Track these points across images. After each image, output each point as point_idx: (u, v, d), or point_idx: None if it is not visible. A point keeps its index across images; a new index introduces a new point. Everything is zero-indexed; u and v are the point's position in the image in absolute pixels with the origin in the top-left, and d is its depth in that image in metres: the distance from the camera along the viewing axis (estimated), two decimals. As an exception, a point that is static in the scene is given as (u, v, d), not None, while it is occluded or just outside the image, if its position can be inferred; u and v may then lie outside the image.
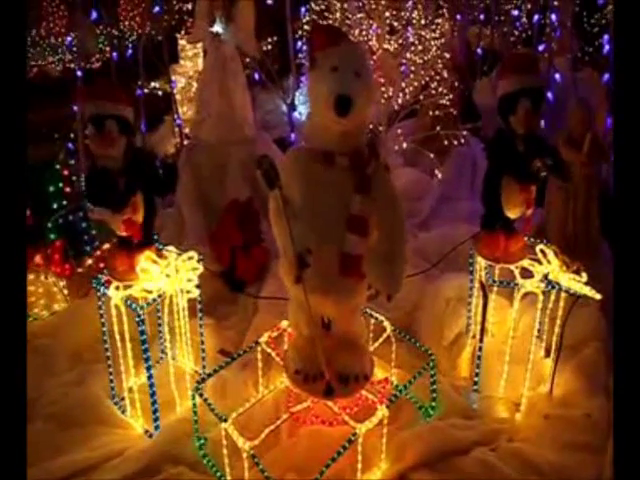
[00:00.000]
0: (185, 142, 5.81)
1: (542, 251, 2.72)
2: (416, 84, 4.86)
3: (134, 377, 2.87)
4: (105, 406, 2.85)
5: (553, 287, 2.68)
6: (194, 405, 2.65)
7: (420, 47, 4.85)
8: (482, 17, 7.62)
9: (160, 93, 7.52)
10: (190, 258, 2.77)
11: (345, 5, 5.00)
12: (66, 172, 4.17)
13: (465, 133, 5.19)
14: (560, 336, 2.81)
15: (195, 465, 2.57)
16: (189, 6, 7.55)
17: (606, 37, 4.98)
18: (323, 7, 5.46)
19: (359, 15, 4.81)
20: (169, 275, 2.68)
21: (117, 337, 2.77)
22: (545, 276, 2.69)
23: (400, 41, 4.83)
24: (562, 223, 3.69)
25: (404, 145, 5.06)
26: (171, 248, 2.86)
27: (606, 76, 4.66)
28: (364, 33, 4.77)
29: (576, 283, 2.62)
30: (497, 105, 2.71)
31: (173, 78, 6.38)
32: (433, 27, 4.98)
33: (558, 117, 3.93)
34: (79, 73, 4.91)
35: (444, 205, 4.85)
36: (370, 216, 2.20)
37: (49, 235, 3.83)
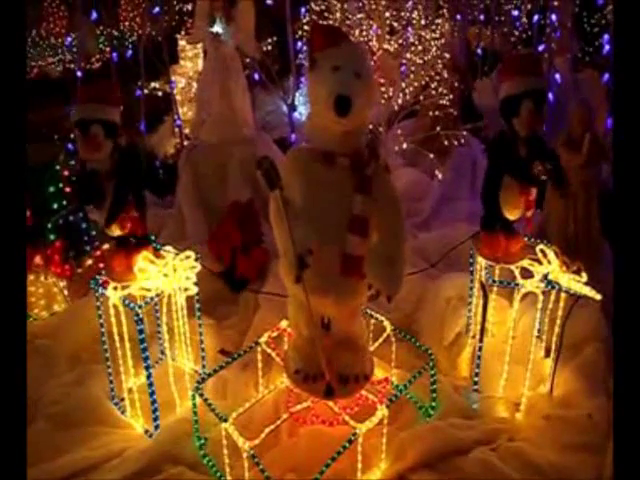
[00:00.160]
0: (185, 142, 5.82)
1: (542, 251, 2.72)
2: (416, 84, 4.86)
3: (134, 377, 2.87)
4: (105, 406, 2.85)
5: (553, 287, 2.68)
6: (194, 405, 2.65)
7: (420, 47, 4.85)
8: (482, 17, 7.64)
9: (160, 94, 7.53)
10: (187, 257, 2.77)
11: (345, 5, 5.01)
12: (66, 173, 4.16)
13: (465, 133, 5.18)
14: (560, 336, 2.81)
15: (195, 465, 2.57)
16: (189, 7, 7.56)
17: (606, 37, 4.99)
18: (323, 7, 5.45)
19: (359, 15, 4.82)
20: (167, 274, 2.68)
21: (116, 337, 2.77)
22: (545, 276, 2.69)
23: (400, 41, 4.84)
24: (562, 224, 3.69)
25: (404, 145, 5.05)
26: (168, 248, 2.86)
27: (606, 76, 4.67)
28: (364, 33, 4.77)
29: (576, 283, 2.61)
30: (499, 107, 2.70)
31: (173, 79, 6.38)
32: (433, 27, 4.98)
33: (558, 118, 3.93)
34: (79, 74, 4.92)
35: (444, 205, 4.85)
36: (371, 216, 2.20)
37: (49, 236, 3.83)
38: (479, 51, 7.15)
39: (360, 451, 2.33)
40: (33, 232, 3.70)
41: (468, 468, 2.46)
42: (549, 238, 3.26)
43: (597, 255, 3.61)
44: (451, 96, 5.06)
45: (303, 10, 5.69)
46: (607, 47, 4.87)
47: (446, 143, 5.06)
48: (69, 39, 7.99)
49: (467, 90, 6.56)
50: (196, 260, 2.79)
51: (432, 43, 4.89)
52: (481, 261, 2.90)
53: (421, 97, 4.98)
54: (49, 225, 3.86)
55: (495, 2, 7.01)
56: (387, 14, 4.77)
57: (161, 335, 3.12)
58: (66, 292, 3.73)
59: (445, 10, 5.58)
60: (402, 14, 4.84)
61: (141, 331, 2.61)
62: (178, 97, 6.64)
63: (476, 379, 2.87)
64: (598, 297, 2.58)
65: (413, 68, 4.82)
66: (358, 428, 2.31)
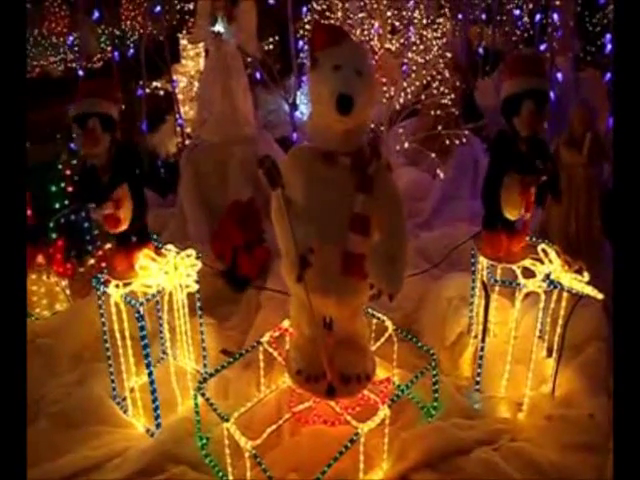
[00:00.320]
0: (187, 142, 5.82)
1: (544, 251, 2.72)
2: (417, 84, 4.85)
3: (135, 376, 2.87)
4: (107, 406, 2.85)
5: (555, 287, 2.68)
6: (196, 405, 2.65)
7: (422, 47, 4.84)
8: (484, 16, 7.63)
9: (162, 93, 7.52)
10: (189, 255, 2.77)
11: (347, 5, 5.00)
12: (68, 172, 4.17)
13: (467, 133, 5.17)
14: (562, 336, 2.81)
15: (197, 465, 2.57)
16: (190, 6, 7.54)
17: (608, 36, 4.97)
18: (324, 7, 5.45)
19: (361, 15, 4.81)
20: (168, 272, 2.69)
21: (118, 336, 2.77)
22: (547, 276, 2.69)
23: (402, 41, 4.83)
24: (564, 223, 3.69)
25: (405, 145, 5.04)
26: (169, 246, 2.86)
27: (608, 76, 4.66)
28: (366, 33, 4.76)
29: (578, 283, 2.61)
30: (501, 106, 2.69)
31: (175, 78, 6.37)
32: (435, 27, 4.97)
33: (560, 117, 3.92)
34: (81, 73, 4.92)
35: (446, 205, 4.85)
36: (372, 215, 2.19)
37: (51, 235, 3.83)
38: (481, 50, 7.14)
39: (362, 451, 2.33)
40: (35, 231, 3.71)
41: (470, 468, 2.46)
42: (550, 237, 3.26)
43: (598, 254, 3.60)
44: (452, 95, 5.05)
45: (304, 9, 5.69)
46: (609, 47, 4.86)
47: (447, 142, 5.05)
48: (71, 38, 8.00)
49: (469, 89, 6.54)
50: (197, 258, 2.79)
51: (433, 42, 4.88)
52: (483, 261, 2.90)
53: (422, 96, 4.97)
54: (51, 224, 3.87)
55: (497, 1, 7.01)
56: (388, 13, 4.77)
57: (163, 334, 3.12)
58: (68, 291, 3.73)
59: (447, 9, 5.59)
60: (403, 13, 4.84)
61: (142, 328, 2.60)
62: (180, 96, 6.64)
63: (478, 379, 2.87)
64: (600, 296, 2.57)
65: (414, 67, 4.81)
66: (360, 428, 2.31)
